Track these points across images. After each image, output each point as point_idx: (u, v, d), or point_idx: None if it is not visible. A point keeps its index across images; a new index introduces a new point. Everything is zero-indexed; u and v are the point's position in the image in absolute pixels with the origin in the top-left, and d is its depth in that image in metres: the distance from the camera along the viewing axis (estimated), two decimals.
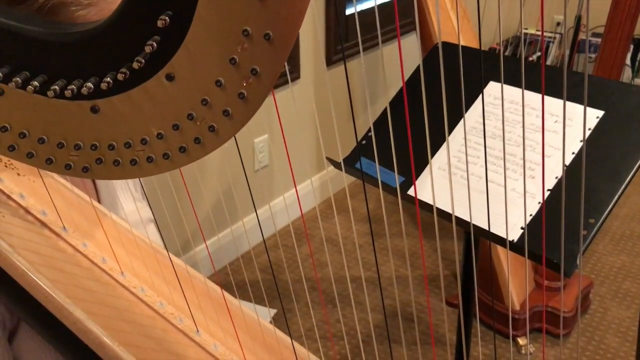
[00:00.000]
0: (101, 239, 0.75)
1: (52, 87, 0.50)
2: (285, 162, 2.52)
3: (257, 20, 0.46)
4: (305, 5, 0.46)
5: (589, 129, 1.15)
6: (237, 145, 0.61)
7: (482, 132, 1.23)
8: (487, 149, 1.19)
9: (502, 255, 2.07)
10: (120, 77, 0.49)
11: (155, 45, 0.48)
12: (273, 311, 1.73)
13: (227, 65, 0.48)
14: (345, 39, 2.76)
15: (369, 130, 1.34)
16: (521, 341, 2.07)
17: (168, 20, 0.47)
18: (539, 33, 2.94)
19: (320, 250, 2.53)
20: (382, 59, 2.87)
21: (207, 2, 0.46)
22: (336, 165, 1.30)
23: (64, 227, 0.73)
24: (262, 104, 0.50)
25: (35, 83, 0.50)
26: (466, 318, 1.38)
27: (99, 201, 0.88)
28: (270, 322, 0.80)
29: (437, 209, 1.10)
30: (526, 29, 2.98)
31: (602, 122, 1.14)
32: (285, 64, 0.49)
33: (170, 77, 0.50)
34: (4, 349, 0.70)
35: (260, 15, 0.46)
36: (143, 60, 0.48)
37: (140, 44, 0.48)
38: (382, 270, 2.40)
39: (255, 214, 2.38)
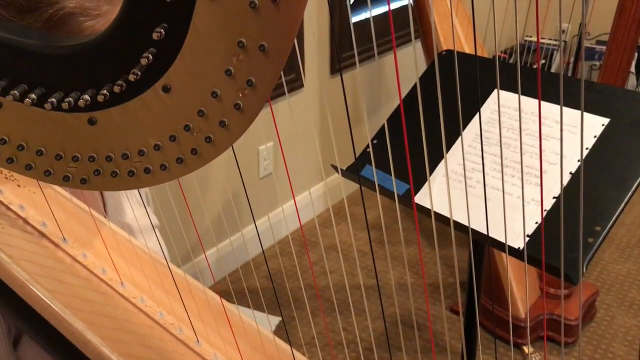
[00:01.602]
0: (101, 249, 0.75)
1: (50, 100, 0.50)
2: (291, 168, 2.52)
3: (252, 32, 0.46)
4: (299, 17, 0.46)
5: (595, 137, 1.14)
6: (234, 155, 0.61)
7: (486, 140, 1.22)
8: (494, 157, 1.19)
9: (508, 263, 2.07)
10: (116, 89, 0.50)
11: (151, 57, 0.48)
12: (277, 319, 1.73)
13: (222, 76, 0.48)
14: (349, 47, 2.76)
15: (374, 138, 1.34)
16: (526, 349, 2.06)
17: (163, 32, 0.47)
18: (543, 41, 2.94)
19: (326, 258, 2.53)
20: (377, 67, 2.87)
21: (203, 14, 0.46)
22: (341, 172, 1.30)
23: (64, 238, 0.73)
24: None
25: (33, 96, 0.51)
26: (470, 326, 1.38)
27: (104, 207, 0.88)
28: (271, 331, 0.80)
29: (443, 216, 1.10)
30: (530, 36, 2.97)
31: (607, 130, 1.13)
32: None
33: (166, 89, 0.50)
34: (9, 353, 0.70)
35: (255, 27, 0.46)
36: (139, 73, 0.49)
37: (137, 56, 0.48)
38: (387, 278, 2.39)
39: (258, 221, 2.38)
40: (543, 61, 3.11)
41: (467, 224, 1.07)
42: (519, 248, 1.08)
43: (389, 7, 0.56)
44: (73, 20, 0.65)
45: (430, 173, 1.21)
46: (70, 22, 0.65)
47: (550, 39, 3.17)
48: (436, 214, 1.14)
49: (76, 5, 0.65)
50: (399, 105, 1.39)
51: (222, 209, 2.40)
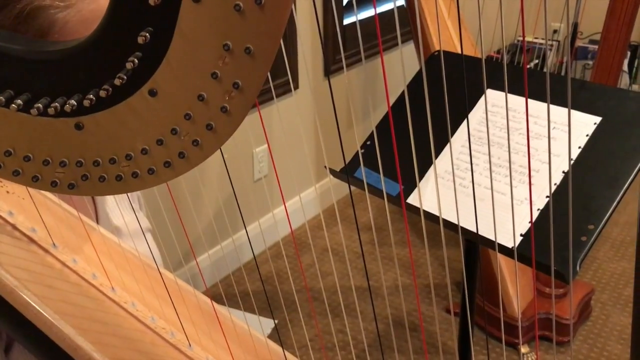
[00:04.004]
0: (91, 254, 0.75)
1: (36, 105, 0.50)
2: (285, 171, 2.52)
3: (237, 35, 0.46)
4: (284, 19, 0.46)
5: (587, 135, 1.15)
6: (223, 159, 0.61)
7: (480, 140, 1.23)
8: (485, 156, 1.19)
9: (504, 263, 2.07)
10: (103, 94, 0.50)
11: (137, 61, 0.48)
12: (271, 324, 1.72)
13: (209, 79, 0.48)
14: (343, 48, 2.77)
15: (368, 139, 1.34)
16: (523, 349, 2.06)
17: (149, 36, 0.47)
18: (536, 40, 2.94)
19: (322, 261, 2.53)
20: (371, 67, 2.86)
21: (188, 17, 0.46)
22: (335, 174, 1.30)
23: (54, 244, 0.73)
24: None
25: (19, 101, 0.51)
26: (465, 326, 1.37)
27: (95, 211, 0.88)
28: (266, 335, 0.80)
29: (434, 217, 1.10)
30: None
31: (600, 128, 1.14)
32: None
33: (153, 93, 0.50)
34: (1, 358, 0.70)
35: (240, 30, 0.46)
36: (125, 77, 0.49)
37: (122, 60, 0.48)
38: (379, 280, 2.39)
39: (255, 224, 2.39)
40: (537, 61, 3.12)
41: (467, 226, 1.07)
42: (512, 247, 1.08)
43: (375, 11, 0.56)
44: (43, 13, 0.65)
45: (424, 174, 1.21)
46: (39, 15, 0.65)
47: (544, 39, 3.18)
48: (431, 214, 1.14)
49: None
50: (392, 106, 1.39)
51: (218, 212, 2.40)
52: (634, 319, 0.58)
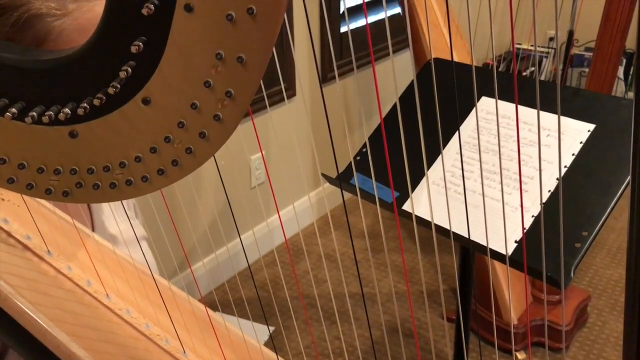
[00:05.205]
0: (85, 261, 0.75)
1: (30, 114, 0.51)
2: (282, 178, 2.52)
3: (229, 44, 0.47)
4: (276, 28, 0.46)
5: (581, 143, 1.16)
6: (217, 166, 0.62)
7: (475, 147, 1.23)
8: (485, 164, 1.20)
9: (499, 269, 2.07)
10: (96, 102, 0.50)
11: (130, 70, 0.48)
12: (266, 330, 1.72)
13: (201, 88, 0.49)
14: (340, 56, 2.78)
15: (363, 147, 1.35)
16: (520, 355, 2.06)
17: (142, 45, 0.47)
18: (533, 48, 2.95)
19: (319, 267, 2.53)
20: (360, 79, 2.87)
21: (181, 27, 0.47)
22: (331, 181, 1.30)
23: (48, 251, 0.73)
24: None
25: (14, 110, 0.51)
26: (460, 333, 1.38)
27: (91, 219, 0.88)
28: (262, 343, 0.80)
29: (429, 223, 1.10)
30: (519, 44, 3.00)
31: (593, 136, 1.15)
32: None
33: (146, 101, 0.50)
34: None
35: (232, 39, 0.46)
36: (119, 86, 0.49)
37: (116, 69, 0.48)
38: (381, 287, 2.39)
39: (254, 229, 2.39)
40: (533, 68, 3.13)
41: (461, 233, 1.08)
42: (506, 254, 1.08)
43: (366, 20, 0.57)
44: (39, 21, 0.66)
45: (419, 181, 1.22)
46: (36, 23, 0.66)
47: (539, 47, 3.19)
48: (427, 221, 1.14)
49: (41, 7, 0.65)
50: (388, 112, 1.40)
51: (214, 219, 2.40)
52: (625, 325, 0.58)
